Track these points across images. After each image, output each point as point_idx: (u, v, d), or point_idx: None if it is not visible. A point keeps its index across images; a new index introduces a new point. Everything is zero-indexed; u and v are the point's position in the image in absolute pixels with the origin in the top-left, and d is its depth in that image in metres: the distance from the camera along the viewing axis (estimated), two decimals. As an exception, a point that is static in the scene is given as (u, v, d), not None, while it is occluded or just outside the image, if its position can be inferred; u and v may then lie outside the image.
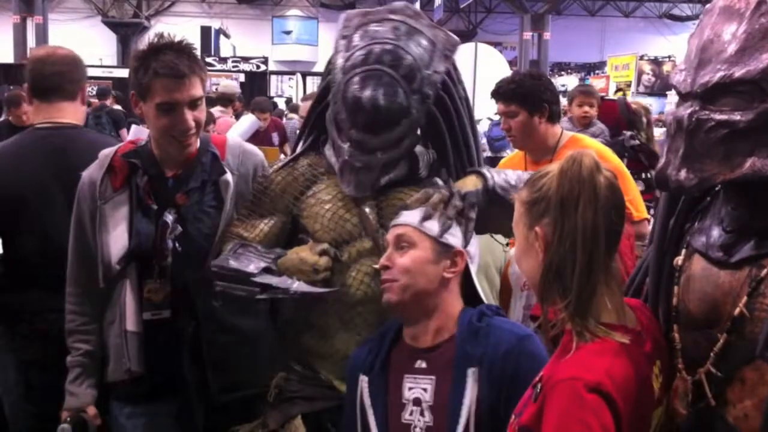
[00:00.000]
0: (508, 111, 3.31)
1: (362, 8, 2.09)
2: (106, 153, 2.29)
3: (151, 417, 2.29)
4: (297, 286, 1.99)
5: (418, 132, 2.05)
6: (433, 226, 1.84)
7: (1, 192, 2.50)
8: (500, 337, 1.78)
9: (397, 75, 1.94)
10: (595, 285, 1.34)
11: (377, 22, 2.03)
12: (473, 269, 1.94)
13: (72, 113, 2.65)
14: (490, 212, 1.99)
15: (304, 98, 3.24)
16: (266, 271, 2.05)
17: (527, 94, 3.28)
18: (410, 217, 1.86)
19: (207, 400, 2.27)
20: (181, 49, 2.16)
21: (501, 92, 3.36)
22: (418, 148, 2.10)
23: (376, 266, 1.92)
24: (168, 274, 2.22)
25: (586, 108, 5.52)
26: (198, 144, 2.26)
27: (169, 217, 2.20)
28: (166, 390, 2.27)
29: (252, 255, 2.09)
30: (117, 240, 2.21)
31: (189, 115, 2.15)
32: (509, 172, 2.05)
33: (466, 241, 1.88)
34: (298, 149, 2.24)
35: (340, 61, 2.02)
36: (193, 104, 2.16)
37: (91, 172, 2.27)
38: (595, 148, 3.30)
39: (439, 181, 1.95)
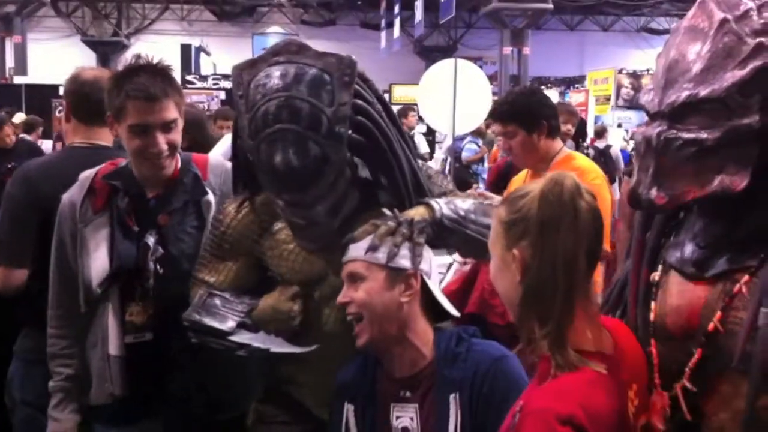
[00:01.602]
0: (507, 132, 3.29)
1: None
2: (86, 175, 2.28)
3: None
4: (275, 345, 1.99)
5: (350, 165, 1.93)
6: (380, 255, 1.81)
7: (43, 203, 2.54)
8: (477, 360, 1.78)
9: (300, 128, 1.81)
10: (574, 310, 1.34)
11: (265, 71, 1.88)
12: (432, 286, 1.91)
13: (107, 137, 2.71)
14: (442, 243, 1.97)
15: None
16: (242, 326, 2.03)
17: (524, 113, 3.26)
18: (357, 250, 1.85)
19: (189, 421, 2.25)
20: (156, 71, 2.15)
21: (497, 114, 3.36)
22: (364, 170, 1.99)
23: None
24: (150, 296, 2.20)
25: None
26: (179, 165, 2.26)
27: (151, 239, 2.20)
28: (148, 410, 2.26)
29: (225, 309, 2.05)
30: (97, 263, 2.19)
31: (161, 138, 2.13)
32: (459, 202, 1.99)
33: (415, 265, 1.84)
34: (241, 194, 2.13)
35: (244, 123, 1.89)
36: (166, 127, 2.15)
37: (72, 195, 2.26)
38: (585, 166, 3.31)
39: (387, 212, 1.89)
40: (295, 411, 2.12)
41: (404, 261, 1.83)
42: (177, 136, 2.20)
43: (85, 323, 2.25)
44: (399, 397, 1.84)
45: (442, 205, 1.94)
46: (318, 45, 2.05)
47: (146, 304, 2.21)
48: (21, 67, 22.11)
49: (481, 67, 11.12)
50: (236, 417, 2.24)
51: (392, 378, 1.86)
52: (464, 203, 1.99)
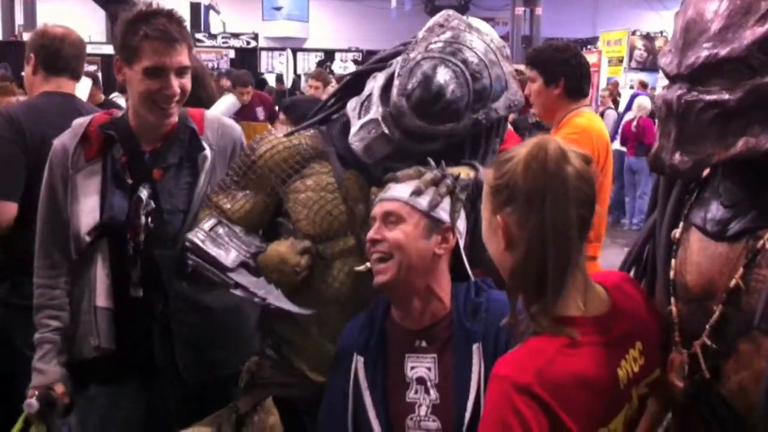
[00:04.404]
0: (529, 76, 3.46)
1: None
2: (80, 122, 2.25)
3: (116, 397, 2.24)
4: (273, 297, 1.94)
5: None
6: (423, 201, 1.80)
7: (28, 143, 2.70)
8: (501, 311, 1.76)
9: (471, 84, 1.92)
10: (565, 281, 1.32)
11: (474, 35, 2.00)
12: (461, 245, 1.89)
13: (73, 87, 2.99)
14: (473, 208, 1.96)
15: None
16: (243, 265, 1.99)
17: (545, 63, 3.40)
18: (399, 191, 1.82)
19: (180, 384, 2.22)
20: (172, 16, 2.13)
21: (526, 57, 3.53)
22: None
23: (359, 268, 1.89)
24: (141, 250, 2.17)
25: None
26: (176, 117, 2.22)
27: (144, 193, 2.17)
28: (134, 370, 2.23)
29: (231, 243, 2.02)
30: (87, 211, 2.16)
31: (175, 82, 2.11)
32: None
33: (453, 220, 1.83)
34: (308, 120, 2.16)
35: (430, 40, 1.97)
36: (181, 72, 2.13)
37: (64, 140, 2.22)
38: (580, 123, 3.33)
39: (432, 162, 1.89)
40: (292, 374, 2.09)
41: (443, 213, 1.82)
42: (188, 83, 2.17)
43: (73, 274, 2.22)
44: (414, 348, 1.82)
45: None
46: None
47: (136, 258, 2.17)
48: (30, 25, 21.95)
49: (493, 27, 10.99)
50: (224, 380, 2.23)
51: (406, 328, 1.84)
52: None
